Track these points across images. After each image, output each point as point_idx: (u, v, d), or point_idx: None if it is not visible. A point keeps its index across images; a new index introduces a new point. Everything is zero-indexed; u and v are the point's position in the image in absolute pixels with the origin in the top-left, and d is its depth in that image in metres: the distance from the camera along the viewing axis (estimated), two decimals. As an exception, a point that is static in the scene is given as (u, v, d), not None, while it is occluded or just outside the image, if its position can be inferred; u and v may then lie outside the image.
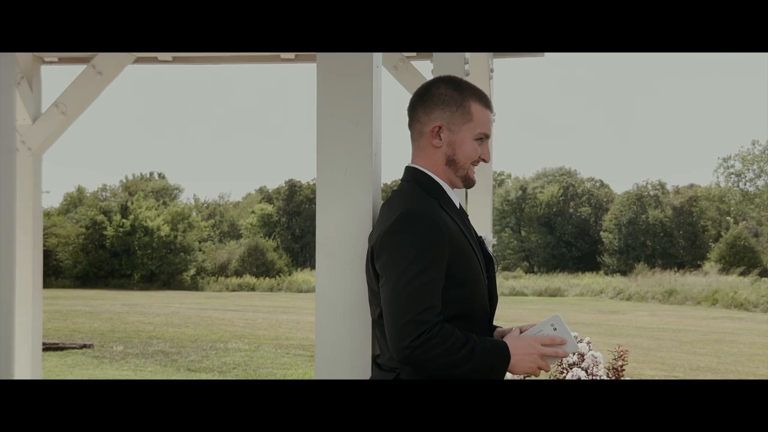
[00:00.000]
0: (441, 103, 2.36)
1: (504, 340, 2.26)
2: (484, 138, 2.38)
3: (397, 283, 2.15)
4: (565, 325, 2.31)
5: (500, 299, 2.55)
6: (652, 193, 46.68)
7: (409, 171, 2.39)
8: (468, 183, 2.41)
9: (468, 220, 2.43)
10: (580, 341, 4.94)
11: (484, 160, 2.40)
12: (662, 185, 47.35)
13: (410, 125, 2.43)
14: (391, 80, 5.67)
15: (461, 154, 2.36)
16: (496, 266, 2.46)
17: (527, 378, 3.37)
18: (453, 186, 2.41)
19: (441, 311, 2.16)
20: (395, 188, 2.41)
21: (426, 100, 2.38)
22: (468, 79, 4.33)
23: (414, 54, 5.77)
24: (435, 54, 4.19)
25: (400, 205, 2.27)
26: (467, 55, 4.23)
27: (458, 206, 2.38)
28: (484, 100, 2.41)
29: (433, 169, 2.37)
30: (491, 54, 5.91)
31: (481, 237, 2.45)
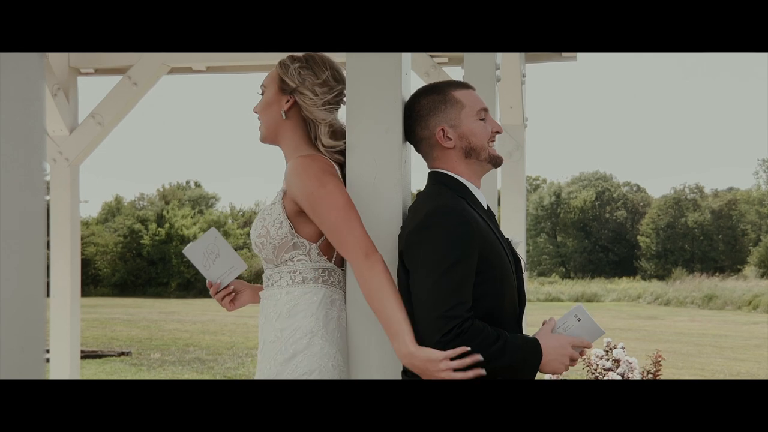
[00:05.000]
0: (429, 110, 2.39)
1: (536, 337, 2.26)
2: (485, 114, 2.41)
3: (428, 278, 2.16)
4: (588, 315, 2.32)
5: (536, 305, 2.58)
6: (690, 196, 46.11)
7: (433, 175, 2.41)
8: (495, 161, 2.42)
9: (495, 219, 2.44)
10: (615, 347, 4.90)
11: (498, 132, 2.43)
12: (700, 188, 46.75)
13: (418, 148, 2.47)
14: (423, 86, 5.66)
15: (475, 139, 2.38)
16: (524, 268, 2.47)
17: (553, 378, 3.36)
18: (481, 175, 2.44)
19: (471, 307, 2.16)
20: (420, 191, 2.43)
21: (416, 118, 2.42)
22: (500, 84, 4.32)
23: (445, 60, 5.78)
24: (466, 59, 4.18)
25: (429, 203, 2.29)
26: (498, 60, 4.22)
27: (486, 206, 2.40)
28: (461, 84, 2.45)
29: (454, 170, 2.38)
30: (523, 59, 5.89)
31: (508, 239, 2.46)
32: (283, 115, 2.55)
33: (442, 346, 2.12)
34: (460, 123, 2.38)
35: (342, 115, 2.57)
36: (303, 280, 2.44)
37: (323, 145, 2.52)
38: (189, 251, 2.62)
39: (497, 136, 2.44)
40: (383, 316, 2.23)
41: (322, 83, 2.54)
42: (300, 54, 2.58)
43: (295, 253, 2.45)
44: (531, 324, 2.51)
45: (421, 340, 2.16)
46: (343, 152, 2.53)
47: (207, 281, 2.68)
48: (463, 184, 2.37)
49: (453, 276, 2.15)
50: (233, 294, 2.72)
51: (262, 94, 2.62)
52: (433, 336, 2.12)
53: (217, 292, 2.69)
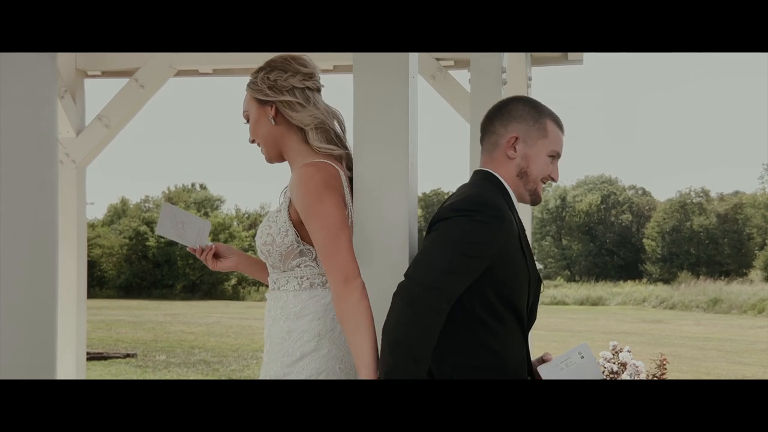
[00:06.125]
0: (518, 117, 2.42)
1: None
2: (556, 156, 2.44)
3: (435, 248, 2.18)
4: (592, 355, 2.32)
5: (541, 308, 2.58)
6: (695, 200, 46.02)
7: (480, 172, 2.43)
8: (535, 198, 2.45)
9: (525, 233, 2.44)
10: (620, 350, 4.89)
11: (553, 179, 2.45)
12: (706, 192, 46.66)
13: (483, 138, 2.48)
14: (428, 90, 5.68)
15: (534, 167, 2.40)
16: (542, 287, 2.48)
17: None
18: (519, 199, 2.44)
19: (453, 296, 2.17)
20: (464, 183, 2.45)
21: (503, 114, 2.44)
22: (505, 87, 4.32)
23: (451, 63, 5.78)
24: (472, 63, 4.18)
25: (473, 190, 2.32)
26: (504, 63, 4.22)
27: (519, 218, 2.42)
28: (559, 122, 2.47)
29: (503, 177, 2.40)
30: (529, 62, 5.89)
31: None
32: (272, 121, 2.54)
33: (399, 297, 2.14)
34: (533, 146, 2.40)
35: (349, 117, 2.57)
36: (311, 285, 2.44)
37: (316, 147, 2.50)
38: (161, 230, 2.68)
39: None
40: (350, 345, 2.26)
41: (293, 73, 2.54)
42: (260, 66, 2.61)
43: (302, 260, 2.45)
44: (536, 327, 2.51)
45: (398, 289, 2.17)
46: (340, 156, 2.52)
47: (188, 248, 2.74)
48: (507, 190, 2.40)
49: (458, 262, 2.16)
50: (213, 250, 2.74)
51: (247, 119, 2.62)
52: (397, 294, 2.15)
53: (202, 254, 2.74)
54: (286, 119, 2.54)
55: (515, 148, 2.39)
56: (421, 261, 2.18)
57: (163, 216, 2.67)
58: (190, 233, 2.70)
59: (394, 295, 2.16)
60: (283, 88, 2.52)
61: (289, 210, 2.45)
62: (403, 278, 2.18)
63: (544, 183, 2.45)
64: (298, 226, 2.44)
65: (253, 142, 2.62)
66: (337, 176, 2.44)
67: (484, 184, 2.37)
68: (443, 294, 2.14)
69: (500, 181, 2.39)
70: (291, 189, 2.45)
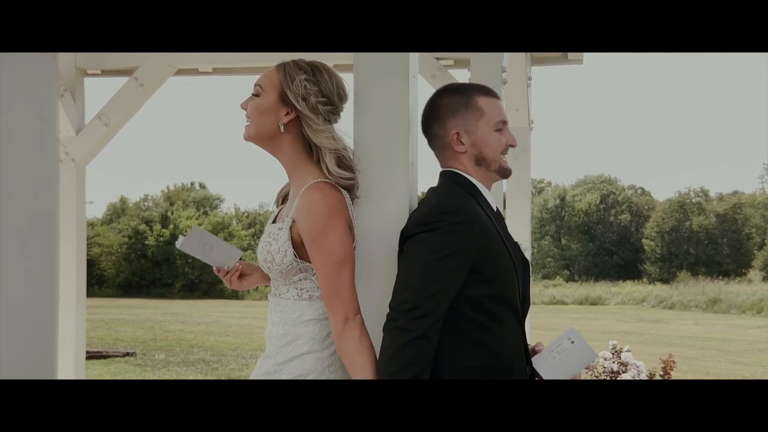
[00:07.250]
0: (449, 111, 2.38)
1: None
2: (502, 126, 2.40)
3: (414, 270, 2.17)
4: (582, 337, 2.32)
5: (541, 308, 2.60)
6: (694, 200, 46.01)
7: (445, 173, 2.41)
8: (504, 173, 2.41)
9: (504, 223, 2.43)
10: (621, 350, 4.90)
11: (512, 146, 2.41)
12: (705, 192, 46.66)
13: (431, 144, 2.46)
14: (428, 90, 5.68)
15: (487, 149, 2.37)
16: (531, 271, 2.47)
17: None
18: (490, 183, 2.43)
19: (440, 315, 2.16)
20: (432, 186, 2.43)
21: (436, 115, 2.41)
22: (506, 87, 4.32)
23: (451, 62, 5.78)
24: (472, 62, 4.18)
25: (436, 198, 2.30)
26: (505, 62, 4.22)
27: (495, 209, 2.39)
28: (487, 91, 2.42)
29: (466, 171, 2.38)
30: (529, 62, 5.89)
31: (516, 243, 2.45)
32: (281, 127, 2.41)
33: (386, 331, 2.15)
34: (476, 130, 2.36)
35: (349, 117, 2.55)
36: (310, 297, 2.41)
37: (329, 171, 2.38)
38: (183, 246, 2.59)
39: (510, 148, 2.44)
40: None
41: (326, 101, 2.41)
42: (305, 62, 2.45)
43: (303, 275, 2.41)
44: (536, 327, 2.52)
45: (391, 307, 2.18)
46: (351, 185, 2.42)
47: (214, 268, 2.66)
48: (474, 185, 2.37)
49: (437, 281, 2.15)
50: (239, 272, 2.67)
51: (257, 94, 2.44)
52: (385, 329, 2.15)
53: (226, 273, 2.66)
54: (298, 126, 2.42)
55: (462, 142, 2.36)
56: (401, 289, 2.17)
57: (191, 236, 2.57)
58: (218, 255, 2.62)
59: (383, 329, 2.16)
60: (310, 106, 2.39)
61: (290, 231, 2.38)
62: (388, 309, 2.18)
63: (505, 154, 2.41)
64: (299, 247, 2.38)
65: (244, 109, 2.46)
66: (342, 200, 2.36)
67: (449, 187, 2.34)
68: (430, 318, 2.13)
69: (464, 177, 2.37)
70: (297, 211, 2.36)
